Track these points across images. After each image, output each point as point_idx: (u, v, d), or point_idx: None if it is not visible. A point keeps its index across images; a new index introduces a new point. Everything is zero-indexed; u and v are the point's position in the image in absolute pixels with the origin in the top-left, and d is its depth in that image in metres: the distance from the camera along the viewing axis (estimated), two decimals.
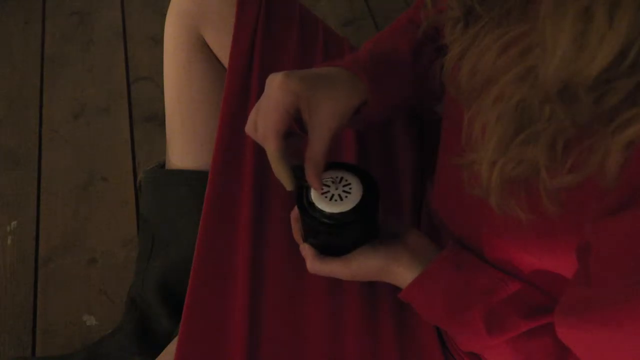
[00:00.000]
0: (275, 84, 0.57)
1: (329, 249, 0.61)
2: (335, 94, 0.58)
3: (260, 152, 0.75)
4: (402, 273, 0.59)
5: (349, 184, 0.58)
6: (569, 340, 0.46)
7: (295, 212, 0.64)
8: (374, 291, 0.68)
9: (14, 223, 1.21)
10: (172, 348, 0.83)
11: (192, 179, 0.87)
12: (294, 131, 0.60)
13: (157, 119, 1.36)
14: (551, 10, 0.36)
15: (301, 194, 0.59)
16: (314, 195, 0.57)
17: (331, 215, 0.56)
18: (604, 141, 0.37)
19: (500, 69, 0.43)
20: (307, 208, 0.57)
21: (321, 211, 0.56)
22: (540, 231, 0.47)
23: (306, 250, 0.61)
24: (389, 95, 0.64)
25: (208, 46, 0.85)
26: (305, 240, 0.62)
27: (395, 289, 0.61)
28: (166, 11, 0.86)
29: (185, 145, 0.87)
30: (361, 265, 0.59)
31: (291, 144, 0.58)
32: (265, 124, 0.57)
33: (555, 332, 0.47)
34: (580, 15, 0.34)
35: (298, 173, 0.58)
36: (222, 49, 0.83)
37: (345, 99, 0.59)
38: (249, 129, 0.60)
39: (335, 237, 0.59)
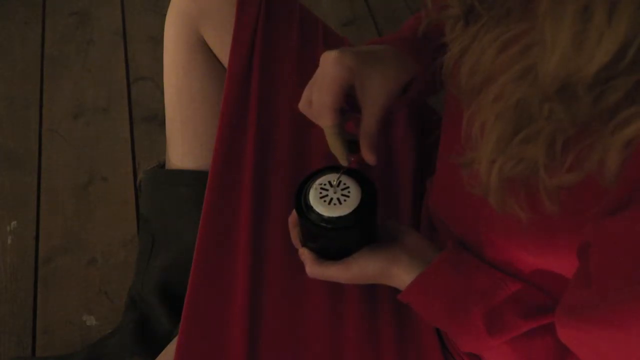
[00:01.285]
0: (330, 60, 0.57)
1: (327, 253, 0.61)
2: (387, 70, 0.59)
3: (260, 152, 0.75)
4: (402, 275, 0.59)
5: (348, 187, 0.58)
6: (569, 340, 0.46)
7: (293, 217, 0.64)
8: (374, 292, 0.68)
9: (14, 223, 1.21)
10: (172, 348, 0.83)
11: (192, 179, 0.87)
12: (344, 109, 0.60)
13: (157, 119, 1.36)
14: (550, 9, 0.36)
15: (299, 198, 0.58)
16: (312, 199, 0.57)
17: (330, 219, 0.56)
18: (603, 140, 0.37)
19: (500, 68, 0.43)
20: (306, 212, 0.57)
21: (320, 215, 0.56)
22: (540, 230, 0.47)
23: (305, 254, 0.61)
24: (434, 71, 0.65)
25: (208, 46, 0.85)
26: (304, 244, 0.62)
27: (395, 290, 0.61)
28: (166, 11, 0.86)
29: (185, 145, 0.87)
30: (360, 269, 0.59)
31: (343, 120, 0.59)
32: (320, 100, 0.58)
33: (555, 332, 0.47)
34: (580, 14, 0.34)
35: (352, 147, 0.60)
36: (222, 49, 0.83)
37: (396, 76, 0.60)
38: (302, 105, 0.61)
39: (334, 241, 0.59)
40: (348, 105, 0.60)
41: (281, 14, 0.83)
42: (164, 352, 0.85)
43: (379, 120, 0.59)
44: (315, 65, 0.83)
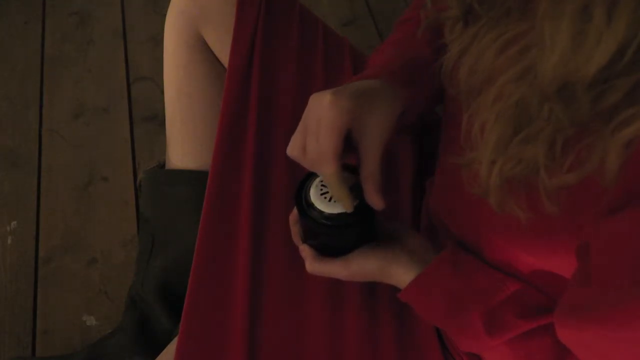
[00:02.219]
0: (326, 103, 0.53)
1: (328, 250, 0.61)
2: (381, 108, 0.56)
3: (260, 152, 0.75)
4: (401, 274, 0.59)
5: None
6: (568, 340, 0.46)
7: (293, 215, 0.64)
8: (374, 292, 0.68)
9: (14, 223, 1.21)
10: (172, 348, 0.83)
11: (192, 179, 0.87)
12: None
13: (157, 119, 1.36)
14: (549, 9, 0.36)
15: (300, 195, 0.58)
16: (313, 196, 0.57)
17: (330, 216, 0.56)
18: (603, 140, 0.37)
19: (500, 68, 0.43)
20: (307, 209, 0.57)
21: (320, 212, 0.56)
22: (540, 231, 0.47)
23: (305, 251, 0.61)
24: (423, 98, 0.63)
25: (208, 46, 0.85)
26: (304, 241, 0.63)
27: (395, 289, 0.61)
28: (166, 11, 0.86)
29: (185, 145, 0.87)
30: (360, 266, 0.59)
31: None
32: (320, 147, 0.53)
33: (554, 332, 0.47)
34: (579, 14, 0.34)
35: (355, 191, 0.57)
36: (222, 49, 0.83)
37: (390, 112, 0.57)
38: (294, 152, 0.56)
39: (334, 238, 0.59)
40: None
41: (281, 14, 0.83)
42: (164, 352, 0.85)
43: (380, 159, 0.55)
44: (315, 65, 0.83)
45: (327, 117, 0.53)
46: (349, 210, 0.56)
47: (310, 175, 0.59)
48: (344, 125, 0.53)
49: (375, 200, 0.55)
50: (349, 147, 0.56)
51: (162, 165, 0.95)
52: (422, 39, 0.66)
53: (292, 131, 0.77)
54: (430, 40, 0.66)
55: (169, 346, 0.85)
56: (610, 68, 0.35)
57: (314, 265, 0.61)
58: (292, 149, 0.56)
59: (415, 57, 0.65)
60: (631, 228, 0.37)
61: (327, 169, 0.54)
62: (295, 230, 0.64)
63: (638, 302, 0.36)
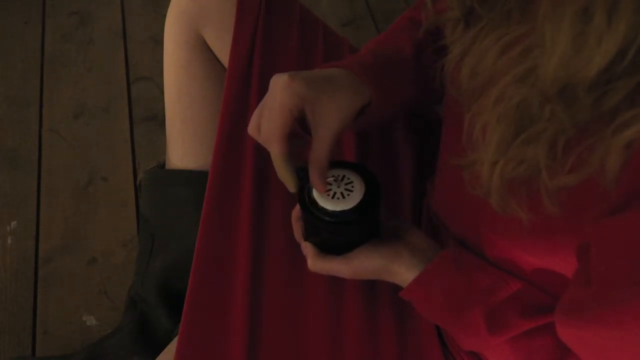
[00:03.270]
0: (280, 85, 0.56)
1: (330, 248, 0.61)
2: (339, 96, 0.58)
3: (260, 152, 0.75)
4: (403, 272, 0.59)
5: (351, 182, 0.58)
6: (569, 340, 0.46)
7: (296, 212, 0.64)
8: (375, 290, 0.68)
9: (14, 223, 1.21)
10: (172, 348, 0.83)
11: (192, 179, 0.87)
12: (297, 132, 0.60)
13: (157, 119, 1.36)
14: (550, 11, 0.36)
15: (303, 192, 0.59)
16: (316, 194, 0.57)
17: (333, 214, 0.56)
18: (604, 141, 0.37)
19: (501, 70, 0.43)
20: (309, 206, 0.57)
21: (323, 209, 0.56)
22: (541, 231, 0.47)
23: (307, 248, 0.61)
24: (392, 96, 0.64)
25: (208, 46, 0.85)
26: (306, 238, 0.62)
27: (396, 288, 0.61)
28: (166, 11, 0.86)
29: (185, 145, 0.87)
30: (362, 264, 0.59)
31: (294, 146, 0.58)
32: (269, 126, 0.56)
33: (556, 332, 0.47)
34: (579, 16, 0.34)
35: (301, 174, 0.58)
36: (222, 49, 0.83)
37: (348, 102, 0.58)
38: (251, 129, 0.60)
39: (336, 236, 0.59)
40: (302, 129, 0.59)
41: (281, 14, 0.83)
42: (164, 352, 0.85)
43: (330, 147, 0.56)
44: (315, 65, 0.83)
45: (279, 98, 0.55)
46: (292, 190, 0.58)
47: None
48: (294, 107, 0.55)
49: (317, 186, 0.56)
50: (306, 130, 0.58)
51: (162, 165, 0.95)
52: (405, 37, 0.66)
53: None
54: (413, 38, 0.66)
55: (169, 346, 0.85)
56: (610, 70, 0.35)
57: (316, 263, 0.61)
58: (250, 127, 0.59)
59: (392, 53, 0.65)
60: (631, 228, 0.37)
61: (274, 148, 0.56)
62: (297, 227, 0.64)
63: (638, 302, 0.37)
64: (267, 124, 0.57)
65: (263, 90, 0.78)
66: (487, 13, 0.46)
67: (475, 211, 0.54)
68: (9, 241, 1.18)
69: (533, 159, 0.41)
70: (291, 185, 0.59)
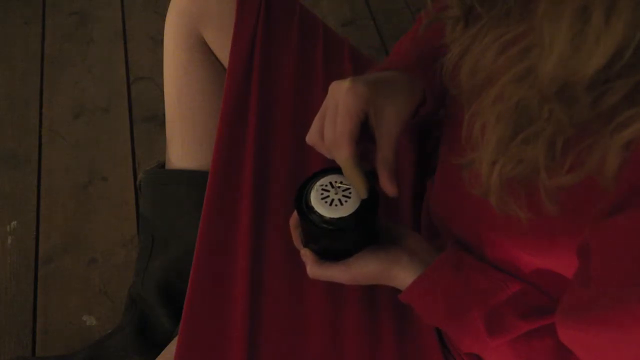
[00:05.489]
0: (343, 90, 0.55)
1: (329, 254, 0.61)
2: (398, 98, 0.58)
3: (260, 152, 0.75)
4: (402, 276, 0.59)
5: (349, 188, 0.58)
6: (569, 341, 0.46)
7: (294, 219, 0.64)
8: (374, 293, 0.68)
9: (14, 223, 1.21)
10: (172, 348, 0.83)
11: (192, 179, 0.87)
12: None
13: (157, 119, 1.36)
14: (549, 10, 0.36)
15: (300, 199, 0.58)
16: (313, 200, 0.57)
17: (330, 220, 0.56)
18: (603, 141, 0.37)
19: (500, 69, 0.43)
20: (307, 213, 0.57)
21: (321, 216, 0.56)
22: (540, 231, 0.47)
23: (307, 255, 0.61)
24: (439, 94, 0.64)
25: (208, 46, 0.85)
26: (305, 245, 0.62)
27: (395, 291, 0.61)
28: (166, 11, 0.86)
29: (185, 145, 0.87)
30: (361, 270, 0.59)
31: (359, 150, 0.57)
32: (336, 131, 0.55)
33: (555, 333, 0.47)
34: (578, 15, 0.34)
35: (370, 178, 0.57)
36: (222, 49, 0.83)
37: (407, 103, 0.59)
38: (313, 138, 0.59)
39: (334, 242, 0.59)
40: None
41: (281, 14, 0.83)
42: (164, 352, 0.85)
43: (395, 148, 0.57)
44: (315, 65, 0.83)
45: (344, 102, 0.55)
46: (363, 196, 0.57)
47: (311, 179, 0.59)
48: (360, 110, 0.55)
49: (388, 186, 0.57)
50: (367, 136, 0.57)
51: (162, 165, 0.95)
52: (436, 35, 0.66)
53: (292, 131, 0.78)
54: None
55: (169, 346, 0.85)
56: (609, 69, 0.35)
57: (314, 269, 0.61)
58: (311, 135, 0.59)
59: (428, 52, 0.65)
60: (631, 229, 0.37)
61: (342, 153, 0.56)
62: (296, 234, 0.64)
63: (638, 302, 0.37)
64: (333, 128, 0.56)
65: (263, 90, 0.79)
66: (487, 12, 0.46)
67: (475, 211, 0.54)
68: (9, 241, 1.18)
69: (532, 159, 0.41)
70: (362, 190, 0.56)
